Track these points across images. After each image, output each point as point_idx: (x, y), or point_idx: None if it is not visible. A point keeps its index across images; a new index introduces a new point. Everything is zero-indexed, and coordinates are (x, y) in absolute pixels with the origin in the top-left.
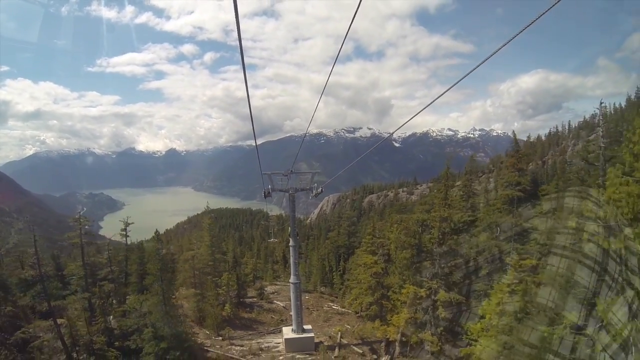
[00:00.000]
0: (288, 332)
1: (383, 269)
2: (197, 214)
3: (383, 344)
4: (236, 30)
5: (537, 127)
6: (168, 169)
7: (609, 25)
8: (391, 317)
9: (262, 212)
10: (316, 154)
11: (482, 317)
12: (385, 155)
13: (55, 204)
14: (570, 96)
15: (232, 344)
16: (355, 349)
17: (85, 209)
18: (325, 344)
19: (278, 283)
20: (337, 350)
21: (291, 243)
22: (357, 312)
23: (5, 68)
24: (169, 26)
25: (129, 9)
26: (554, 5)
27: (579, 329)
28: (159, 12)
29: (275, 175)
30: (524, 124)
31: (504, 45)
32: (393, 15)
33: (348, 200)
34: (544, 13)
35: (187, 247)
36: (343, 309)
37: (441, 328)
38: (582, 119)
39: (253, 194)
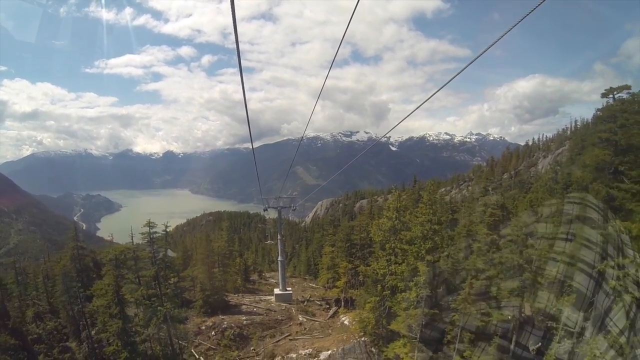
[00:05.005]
0: (277, 290)
1: (335, 255)
2: (196, 216)
3: (333, 300)
4: (234, 33)
5: (533, 132)
6: (165, 171)
7: (605, 31)
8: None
9: (259, 215)
10: (313, 158)
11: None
12: (382, 159)
13: (53, 205)
14: (567, 101)
15: (243, 297)
16: (317, 302)
17: (82, 210)
18: (299, 299)
19: (272, 272)
20: (305, 302)
21: (279, 237)
22: (324, 286)
23: (2, 68)
24: (167, 29)
25: (128, 11)
26: (539, 5)
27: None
28: (158, 15)
29: (270, 194)
30: (521, 128)
31: (494, 43)
32: (390, 19)
33: (341, 204)
34: (530, 12)
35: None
36: (316, 286)
37: (363, 288)
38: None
39: (250, 196)
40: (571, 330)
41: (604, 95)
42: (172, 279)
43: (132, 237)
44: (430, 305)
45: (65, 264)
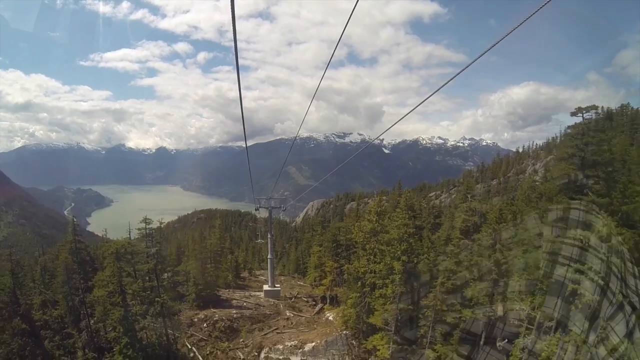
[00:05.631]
0: (266, 287)
1: (322, 254)
2: (187, 213)
3: (320, 297)
4: (232, 30)
5: (526, 138)
6: (157, 167)
7: (600, 41)
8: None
9: (250, 214)
10: (305, 158)
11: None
12: (375, 162)
13: (43, 198)
14: (560, 109)
15: (234, 293)
16: (304, 299)
17: (73, 204)
18: (287, 296)
19: (262, 270)
20: (293, 299)
21: (269, 236)
22: (311, 284)
23: None
24: (164, 24)
25: (125, 5)
26: (534, 13)
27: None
28: (155, 10)
29: (262, 193)
30: (514, 134)
31: (487, 50)
32: (388, 22)
33: (331, 206)
34: (525, 20)
35: (200, 239)
36: (304, 284)
37: (345, 285)
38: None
39: (241, 195)
40: (531, 327)
41: (573, 114)
42: (167, 273)
43: (129, 232)
44: (405, 302)
45: (66, 257)
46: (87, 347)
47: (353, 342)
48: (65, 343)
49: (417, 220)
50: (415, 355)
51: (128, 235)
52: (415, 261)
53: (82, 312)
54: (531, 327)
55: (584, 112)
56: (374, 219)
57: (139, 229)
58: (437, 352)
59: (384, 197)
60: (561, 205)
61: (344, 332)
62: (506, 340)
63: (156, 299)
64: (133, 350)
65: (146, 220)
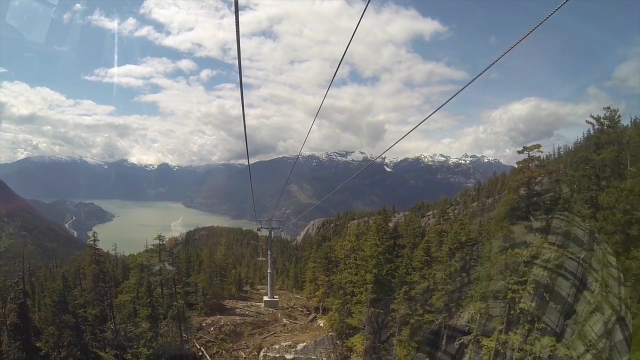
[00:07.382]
0: (266, 297)
1: (316, 270)
2: (190, 230)
3: (313, 308)
4: (235, 48)
5: None
6: (159, 183)
7: (599, 55)
8: (316, 293)
9: (252, 232)
10: (308, 177)
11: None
12: (377, 180)
13: (45, 210)
14: (562, 124)
15: (237, 303)
16: (299, 309)
17: (74, 218)
18: (285, 306)
19: (263, 285)
20: (289, 309)
21: (269, 253)
22: (307, 297)
23: (3, 70)
24: (168, 41)
25: (131, 22)
26: (533, 30)
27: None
28: (160, 27)
29: (264, 211)
30: (515, 150)
31: (488, 67)
32: (389, 41)
33: (332, 224)
34: (524, 37)
35: (208, 255)
36: (301, 297)
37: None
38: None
39: (243, 213)
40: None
41: (520, 152)
42: (178, 285)
43: (146, 248)
44: (376, 307)
45: (94, 267)
46: (110, 345)
47: (337, 341)
48: (99, 337)
49: (400, 239)
50: (386, 352)
51: (134, 251)
52: (384, 273)
53: (109, 314)
54: (473, 327)
55: (530, 150)
56: (353, 239)
57: (153, 245)
58: (404, 349)
59: (362, 220)
60: (504, 229)
61: (330, 333)
62: (462, 339)
63: (174, 303)
64: (156, 342)
65: (160, 238)
